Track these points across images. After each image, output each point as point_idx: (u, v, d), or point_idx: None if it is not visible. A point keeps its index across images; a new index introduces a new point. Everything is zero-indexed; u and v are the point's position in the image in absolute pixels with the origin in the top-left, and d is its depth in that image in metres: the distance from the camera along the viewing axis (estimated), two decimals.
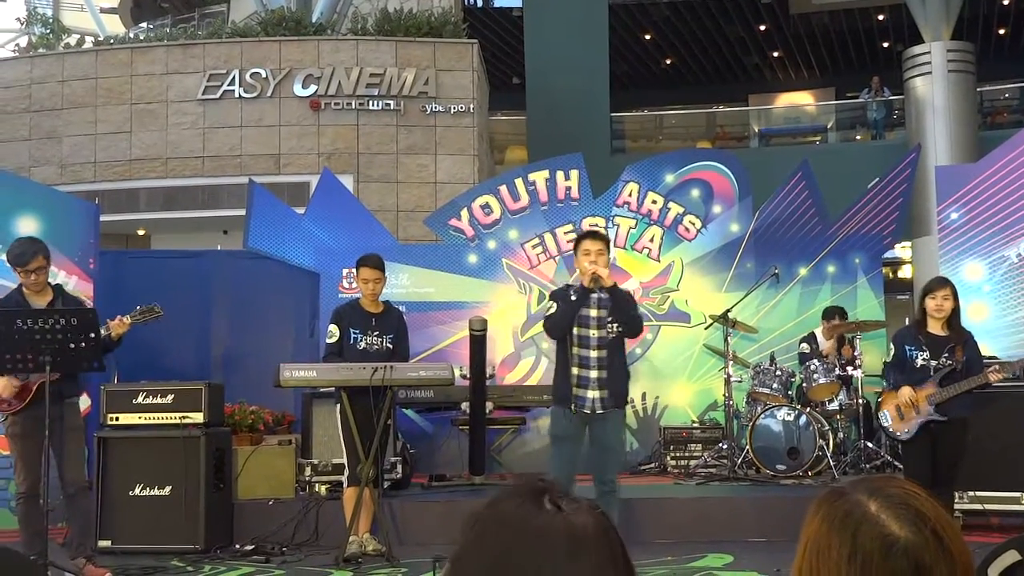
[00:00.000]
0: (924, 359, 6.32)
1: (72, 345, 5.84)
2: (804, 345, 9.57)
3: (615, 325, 6.10)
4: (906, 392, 6.30)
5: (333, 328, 6.89)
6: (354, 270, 7.19)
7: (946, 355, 6.27)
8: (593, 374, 6.06)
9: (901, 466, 8.46)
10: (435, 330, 10.08)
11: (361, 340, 6.84)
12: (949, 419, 6.24)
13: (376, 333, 6.87)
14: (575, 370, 6.06)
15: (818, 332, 9.79)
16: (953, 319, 6.33)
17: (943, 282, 6.44)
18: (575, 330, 6.08)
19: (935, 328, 6.34)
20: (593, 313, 6.09)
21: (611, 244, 6.65)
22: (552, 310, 6.15)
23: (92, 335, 5.87)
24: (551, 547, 1.17)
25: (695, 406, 10.30)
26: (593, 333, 6.08)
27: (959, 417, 6.26)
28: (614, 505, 6.10)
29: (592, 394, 6.04)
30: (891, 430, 6.53)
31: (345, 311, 6.99)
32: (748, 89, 26.94)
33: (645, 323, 10.21)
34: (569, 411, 6.06)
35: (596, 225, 10.07)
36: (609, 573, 1.18)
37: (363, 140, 13.51)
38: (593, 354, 6.07)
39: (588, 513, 1.21)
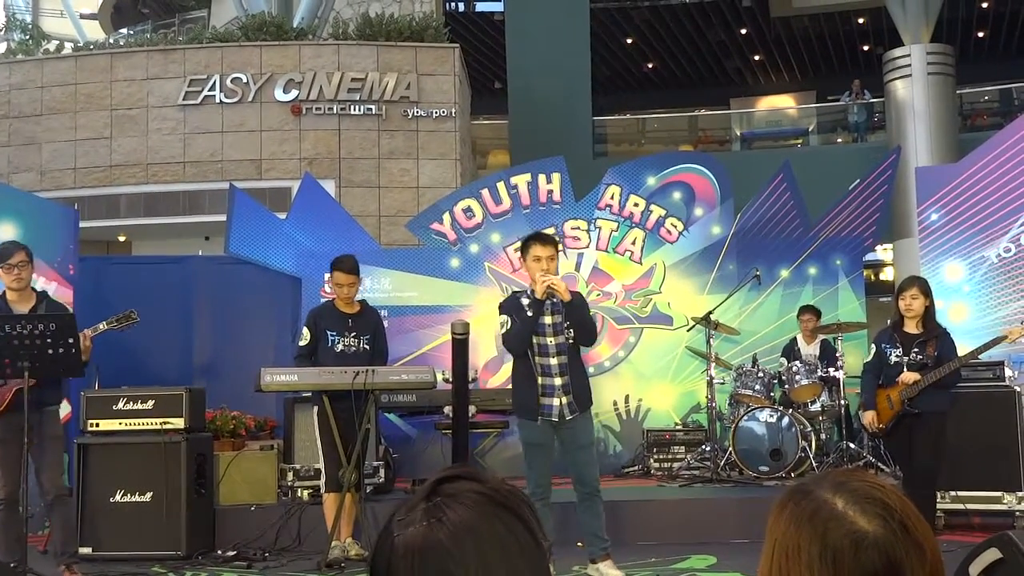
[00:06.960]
0: (897, 356, 6.51)
1: (51, 351, 5.82)
2: (783, 360, 9.55)
3: (570, 329, 5.94)
4: (869, 416, 6.60)
5: (305, 331, 6.88)
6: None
7: (916, 350, 6.39)
8: (557, 381, 5.89)
9: (884, 467, 8.52)
10: (417, 334, 10.05)
11: (338, 342, 6.82)
12: (921, 413, 6.34)
13: (353, 334, 6.85)
14: (540, 379, 5.90)
15: (799, 337, 9.80)
16: (927, 317, 6.45)
17: (912, 281, 6.59)
18: (533, 339, 5.90)
19: (910, 327, 6.55)
20: (548, 320, 5.90)
21: (559, 247, 6.28)
22: (508, 326, 5.92)
23: (71, 340, 5.85)
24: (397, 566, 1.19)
25: (678, 408, 10.30)
26: (550, 340, 5.90)
27: (932, 411, 6.37)
28: (599, 507, 5.99)
29: (557, 401, 5.89)
30: (871, 429, 6.76)
31: (321, 313, 6.97)
32: (730, 93, 26.98)
33: (628, 326, 10.36)
34: (535, 422, 5.93)
35: (579, 226, 10.06)
36: None
37: (345, 145, 13.48)
38: (553, 361, 5.90)
39: (420, 526, 1.20)
